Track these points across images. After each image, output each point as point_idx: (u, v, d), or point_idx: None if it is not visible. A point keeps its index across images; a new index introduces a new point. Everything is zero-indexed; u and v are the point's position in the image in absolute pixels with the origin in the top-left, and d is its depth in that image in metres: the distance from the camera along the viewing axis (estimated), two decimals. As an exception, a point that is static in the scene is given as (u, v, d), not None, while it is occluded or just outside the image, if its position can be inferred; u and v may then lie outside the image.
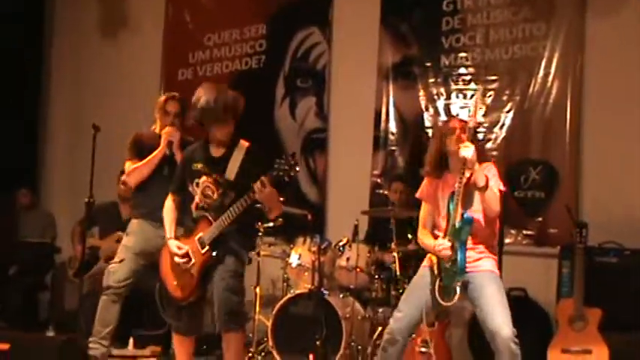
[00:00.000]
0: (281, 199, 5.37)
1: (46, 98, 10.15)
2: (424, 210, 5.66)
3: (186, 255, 5.21)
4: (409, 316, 5.47)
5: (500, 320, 5.18)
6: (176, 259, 5.23)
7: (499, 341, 5.15)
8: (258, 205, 5.31)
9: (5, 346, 4.56)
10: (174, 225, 5.38)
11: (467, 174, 5.26)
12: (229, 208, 5.11)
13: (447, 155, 5.49)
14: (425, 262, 5.58)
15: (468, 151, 5.20)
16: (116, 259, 6.35)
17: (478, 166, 5.25)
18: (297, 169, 5.13)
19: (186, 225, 5.34)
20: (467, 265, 5.26)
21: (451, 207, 5.37)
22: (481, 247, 5.39)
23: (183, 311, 5.33)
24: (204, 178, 5.26)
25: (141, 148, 6.36)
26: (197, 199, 5.27)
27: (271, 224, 7.34)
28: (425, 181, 5.67)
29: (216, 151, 5.31)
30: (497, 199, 5.35)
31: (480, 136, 8.11)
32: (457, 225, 5.31)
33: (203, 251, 5.18)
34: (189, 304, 5.28)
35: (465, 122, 5.59)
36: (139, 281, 6.46)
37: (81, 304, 7.08)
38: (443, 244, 5.32)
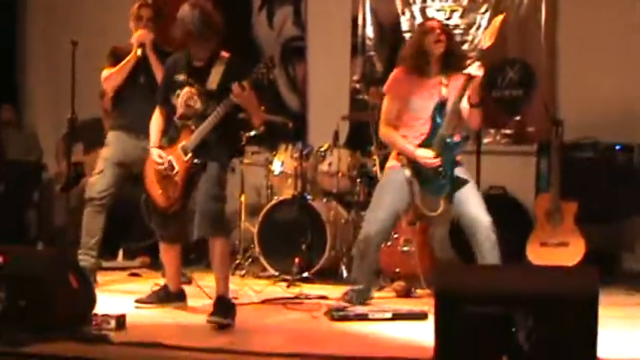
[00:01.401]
0: (261, 106, 5.41)
1: (22, 15, 10.07)
2: (390, 106, 5.65)
3: (168, 163, 5.27)
4: (383, 219, 5.58)
5: (478, 210, 5.35)
6: (158, 166, 5.30)
7: (479, 229, 5.31)
8: (242, 115, 5.37)
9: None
10: (160, 134, 5.43)
11: (468, 91, 5.32)
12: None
13: (427, 54, 5.52)
14: (392, 162, 5.63)
15: (479, 70, 5.24)
16: (96, 171, 6.40)
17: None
18: (275, 71, 5.17)
19: (169, 135, 5.38)
20: None
21: (439, 119, 5.43)
22: None
23: (169, 220, 5.38)
24: (186, 88, 5.29)
25: (118, 58, 6.37)
26: (180, 109, 5.31)
27: (253, 133, 7.41)
28: (393, 76, 5.66)
29: (198, 62, 5.32)
30: (480, 115, 5.45)
31: (457, 38, 8.15)
32: (451, 141, 5.39)
33: (186, 159, 5.21)
34: (175, 212, 5.35)
35: (442, 22, 5.70)
36: (124, 193, 6.53)
37: (69, 219, 7.17)
38: (428, 156, 5.39)
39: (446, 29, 5.58)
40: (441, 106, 5.42)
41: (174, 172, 5.25)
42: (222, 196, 5.26)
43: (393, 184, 5.56)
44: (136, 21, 6.42)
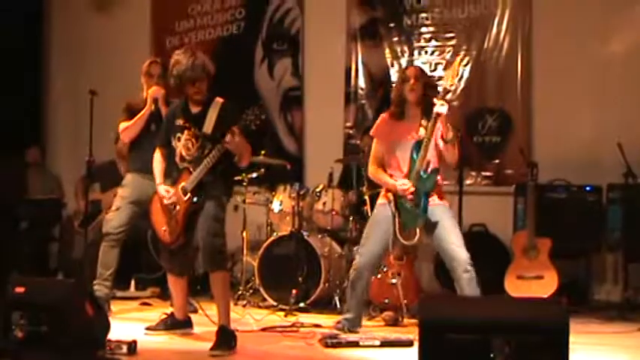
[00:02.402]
0: (249, 147, 5.40)
1: (47, 69, 10.12)
2: (377, 148, 5.73)
3: (175, 197, 5.30)
4: (372, 251, 5.62)
5: (457, 247, 5.37)
6: (165, 201, 5.32)
7: (458, 264, 5.32)
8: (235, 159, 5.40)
9: (21, 289, 4.66)
10: (163, 172, 5.46)
11: (438, 126, 5.37)
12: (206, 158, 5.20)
13: (405, 101, 5.59)
14: (381, 200, 5.68)
15: (443, 108, 5.29)
16: (113, 208, 6.45)
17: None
18: (263, 117, 5.20)
19: (172, 177, 5.41)
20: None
21: (415, 155, 5.47)
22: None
23: (174, 255, 5.40)
24: (185, 132, 5.34)
25: (132, 111, 6.44)
26: (180, 152, 5.35)
27: (255, 174, 7.45)
28: (379, 121, 5.74)
29: (195, 108, 5.37)
30: (455, 150, 5.49)
31: (440, 88, 8.21)
32: (424, 175, 5.43)
33: (185, 198, 5.25)
34: (179, 247, 5.34)
35: (420, 69, 5.74)
36: (138, 230, 6.55)
37: (86, 252, 7.17)
38: (406, 184, 5.44)
39: (421, 77, 5.60)
40: (417, 145, 5.47)
41: (176, 210, 5.28)
42: (220, 232, 5.26)
43: (381, 218, 5.61)
44: (147, 77, 6.51)
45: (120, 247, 6.37)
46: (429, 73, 5.90)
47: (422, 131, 5.51)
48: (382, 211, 5.62)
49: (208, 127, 5.27)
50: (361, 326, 5.80)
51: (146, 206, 5.98)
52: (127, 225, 6.36)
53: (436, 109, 5.31)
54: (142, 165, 6.29)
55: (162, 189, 5.35)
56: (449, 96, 7.81)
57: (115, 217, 6.38)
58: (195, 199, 5.22)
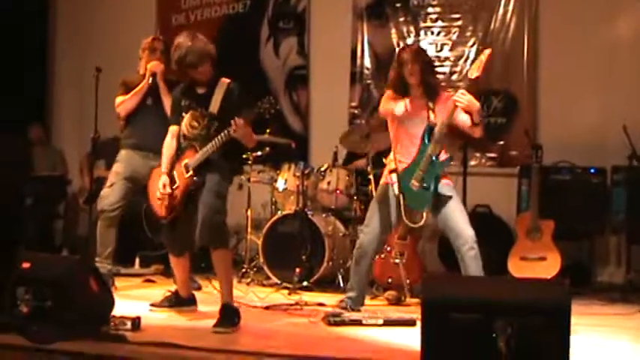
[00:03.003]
0: (254, 136, 5.43)
1: (53, 47, 10.13)
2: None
3: (168, 189, 5.32)
4: (376, 229, 5.64)
5: (463, 224, 5.39)
6: (158, 194, 5.34)
7: (463, 242, 5.34)
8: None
9: (26, 264, 4.68)
10: (171, 159, 5.43)
11: (453, 116, 5.37)
12: (214, 138, 5.18)
13: (405, 82, 5.57)
14: (384, 179, 5.71)
15: (463, 98, 5.27)
16: (107, 185, 6.42)
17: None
18: (277, 107, 5.22)
19: (176, 154, 5.43)
20: None
21: (427, 140, 5.47)
22: None
23: (173, 233, 5.42)
24: (190, 112, 5.35)
25: (128, 87, 6.45)
26: (184, 131, 5.36)
27: (259, 153, 7.47)
28: (385, 97, 5.70)
29: (200, 89, 5.37)
30: (481, 129, 5.49)
31: (447, 69, 8.22)
32: (436, 160, 5.43)
33: (187, 175, 5.27)
34: (178, 225, 5.36)
35: (416, 50, 5.66)
36: (139, 208, 6.56)
37: (91, 229, 7.20)
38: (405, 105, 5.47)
39: (417, 59, 5.54)
40: (430, 129, 5.47)
41: (175, 186, 5.30)
42: (222, 208, 5.26)
43: (384, 199, 5.63)
44: (149, 52, 6.48)
45: (117, 224, 6.39)
46: (426, 52, 5.76)
47: (432, 116, 5.50)
48: (385, 191, 5.64)
49: (214, 107, 5.28)
50: (364, 305, 5.83)
51: (140, 183, 6.02)
52: (123, 201, 6.35)
53: (456, 100, 5.31)
54: (137, 140, 6.33)
55: (162, 181, 5.35)
56: (455, 77, 8.06)
57: (109, 194, 6.36)
58: (196, 177, 5.24)
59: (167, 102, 6.10)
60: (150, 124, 6.23)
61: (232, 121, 5.03)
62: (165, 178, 5.36)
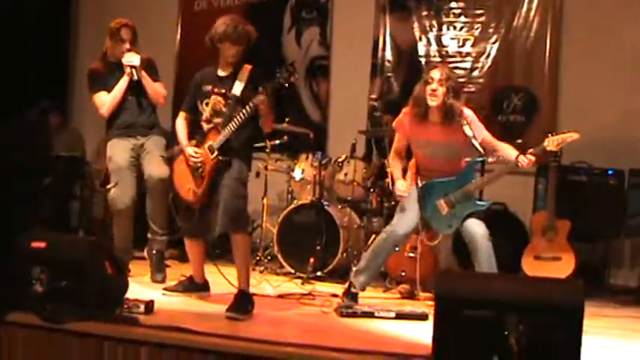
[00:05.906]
0: (273, 112, 5.42)
1: (76, 29, 10.17)
2: (398, 139, 5.73)
3: (202, 156, 5.35)
4: (407, 226, 5.59)
5: (476, 224, 5.40)
6: (192, 160, 5.37)
7: (477, 238, 5.35)
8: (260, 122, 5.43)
9: (42, 244, 4.72)
10: (188, 135, 5.53)
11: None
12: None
13: (425, 102, 5.44)
14: (409, 180, 5.74)
15: (525, 163, 5.42)
16: (111, 185, 6.26)
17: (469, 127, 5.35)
18: (297, 76, 5.25)
19: (197, 139, 5.46)
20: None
21: (471, 176, 5.59)
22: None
23: (193, 215, 5.44)
24: (213, 96, 5.38)
25: (98, 78, 6.32)
26: (207, 114, 5.39)
27: (277, 141, 7.49)
28: (402, 115, 5.65)
29: (223, 72, 5.42)
30: None
31: (468, 64, 8.21)
32: (474, 201, 5.53)
33: (212, 157, 5.29)
34: (202, 206, 5.38)
35: (445, 73, 5.44)
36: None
37: (107, 212, 7.21)
38: (400, 189, 5.61)
39: (445, 81, 5.37)
40: (472, 166, 5.60)
41: (202, 168, 5.33)
42: (244, 194, 5.32)
43: (411, 198, 5.63)
44: (115, 39, 6.24)
45: (132, 217, 6.35)
46: (454, 77, 5.55)
47: (477, 145, 5.39)
48: (412, 193, 5.64)
49: (237, 89, 5.32)
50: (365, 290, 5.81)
51: (139, 164, 6.06)
52: (133, 193, 6.25)
53: (521, 163, 5.44)
54: (122, 130, 6.29)
55: (191, 150, 5.41)
56: (476, 73, 8.05)
57: (119, 194, 6.20)
58: (221, 157, 5.26)
59: (151, 89, 6.25)
60: (131, 111, 6.27)
61: (259, 90, 5.11)
62: (192, 148, 5.42)
